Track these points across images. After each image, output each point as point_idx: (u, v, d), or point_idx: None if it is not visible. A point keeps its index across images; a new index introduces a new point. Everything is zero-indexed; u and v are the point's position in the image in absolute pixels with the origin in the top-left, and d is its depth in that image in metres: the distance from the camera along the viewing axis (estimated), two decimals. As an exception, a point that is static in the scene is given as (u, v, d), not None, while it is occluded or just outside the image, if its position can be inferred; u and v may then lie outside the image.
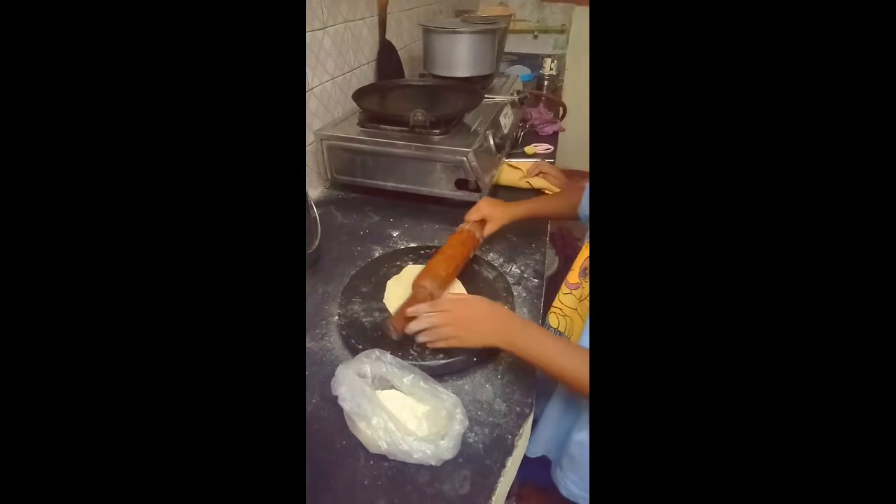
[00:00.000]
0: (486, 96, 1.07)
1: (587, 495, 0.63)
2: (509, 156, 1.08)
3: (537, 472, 0.69)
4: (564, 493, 0.65)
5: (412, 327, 0.54)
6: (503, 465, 0.47)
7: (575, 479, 0.63)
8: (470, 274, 0.70)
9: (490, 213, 0.75)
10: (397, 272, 0.71)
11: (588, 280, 0.61)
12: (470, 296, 0.64)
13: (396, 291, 0.66)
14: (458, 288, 0.68)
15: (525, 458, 0.56)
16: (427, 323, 0.52)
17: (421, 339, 0.53)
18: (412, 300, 0.60)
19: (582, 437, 0.60)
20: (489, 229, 0.75)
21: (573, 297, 0.64)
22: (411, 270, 0.70)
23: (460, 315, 0.53)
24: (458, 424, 0.45)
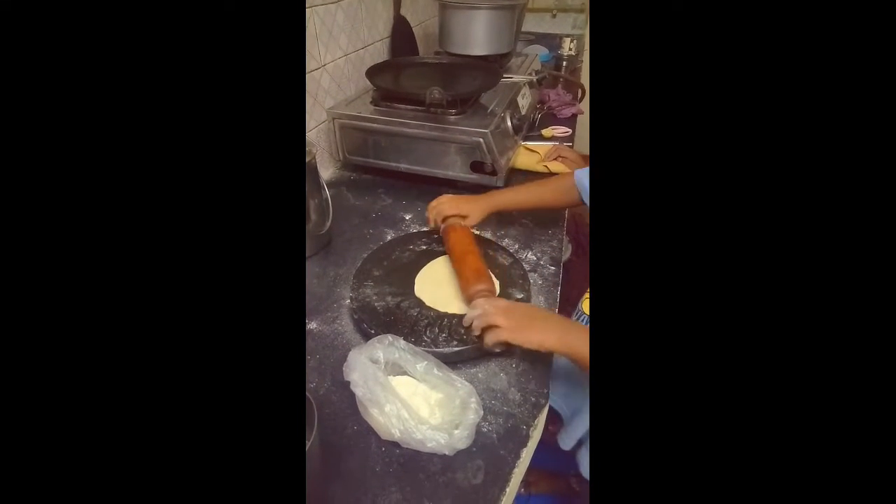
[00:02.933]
0: (504, 76, 1.03)
1: None
2: (526, 138, 1.05)
3: (545, 458, 0.69)
4: (584, 472, 0.67)
5: (469, 315, 0.53)
6: (518, 457, 0.45)
7: None
8: (485, 260, 0.68)
9: (467, 209, 0.70)
10: (410, 256, 0.69)
11: None
12: (521, 303, 0.58)
13: (427, 284, 0.65)
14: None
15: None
16: (482, 313, 0.52)
17: (475, 327, 0.53)
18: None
19: None
20: (470, 223, 0.71)
21: None
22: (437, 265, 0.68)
23: (518, 314, 0.52)
24: (473, 414, 0.44)
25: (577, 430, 0.66)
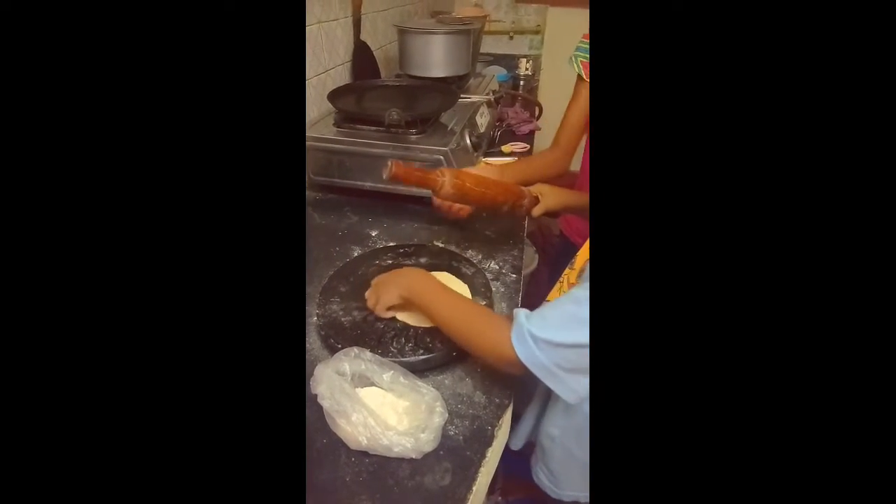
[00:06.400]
0: (463, 96, 1.08)
1: (554, 487, 0.66)
2: (487, 155, 1.10)
3: (521, 466, 0.71)
4: (535, 479, 0.68)
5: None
6: (483, 456, 0.47)
7: (544, 469, 0.66)
8: (450, 271, 0.71)
9: (544, 191, 0.73)
10: (377, 271, 0.71)
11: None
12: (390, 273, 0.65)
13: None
14: (455, 284, 0.68)
15: (510, 452, 0.58)
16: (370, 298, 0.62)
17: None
18: (425, 176, 0.64)
19: (552, 431, 0.62)
20: (538, 210, 0.73)
21: None
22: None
23: (379, 282, 0.62)
24: (438, 417, 0.46)
25: (523, 430, 0.68)
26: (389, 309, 0.61)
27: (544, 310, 0.47)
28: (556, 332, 0.43)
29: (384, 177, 0.62)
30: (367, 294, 0.63)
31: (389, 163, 0.62)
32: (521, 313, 0.47)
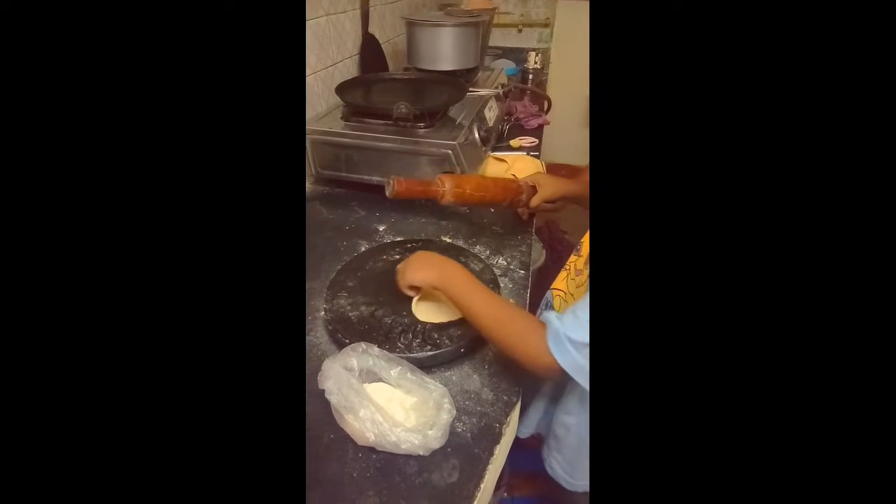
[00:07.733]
0: (471, 90, 1.07)
1: (569, 478, 0.65)
2: (495, 149, 1.08)
3: (527, 461, 0.70)
4: (549, 470, 0.68)
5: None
6: (491, 454, 0.47)
7: (559, 459, 0.66)
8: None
9: (542, 181, 0.73)
10: (385, 265, 0.71)
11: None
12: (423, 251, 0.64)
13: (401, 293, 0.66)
14: None
15: (515, 448, 0.57)
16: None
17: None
18: (426, 185, 0.66)
19: (567, 419, 0.62)
20: (535, 199, 0.73)
21: (574, 283, 0.64)
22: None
23: (413, 259, 0.60)
24: (446, 414, 0.46)
25: (532, 417, 0.68)
26: (410, 289, 0.59)
27: (576, 311, 0.45)
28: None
29: (387, 194, 0.64)
30: (398, 267, 0.61)
31: (391, 180, 0.63)
32: (553, 318, 0.46)
